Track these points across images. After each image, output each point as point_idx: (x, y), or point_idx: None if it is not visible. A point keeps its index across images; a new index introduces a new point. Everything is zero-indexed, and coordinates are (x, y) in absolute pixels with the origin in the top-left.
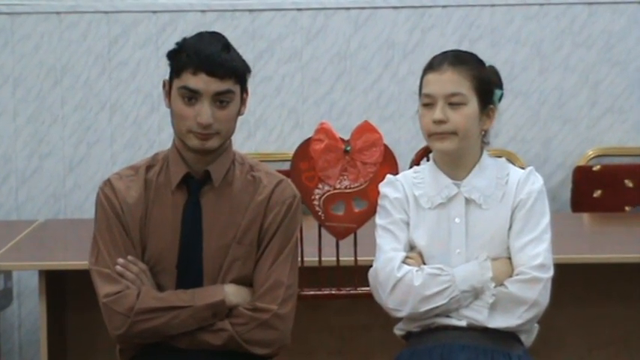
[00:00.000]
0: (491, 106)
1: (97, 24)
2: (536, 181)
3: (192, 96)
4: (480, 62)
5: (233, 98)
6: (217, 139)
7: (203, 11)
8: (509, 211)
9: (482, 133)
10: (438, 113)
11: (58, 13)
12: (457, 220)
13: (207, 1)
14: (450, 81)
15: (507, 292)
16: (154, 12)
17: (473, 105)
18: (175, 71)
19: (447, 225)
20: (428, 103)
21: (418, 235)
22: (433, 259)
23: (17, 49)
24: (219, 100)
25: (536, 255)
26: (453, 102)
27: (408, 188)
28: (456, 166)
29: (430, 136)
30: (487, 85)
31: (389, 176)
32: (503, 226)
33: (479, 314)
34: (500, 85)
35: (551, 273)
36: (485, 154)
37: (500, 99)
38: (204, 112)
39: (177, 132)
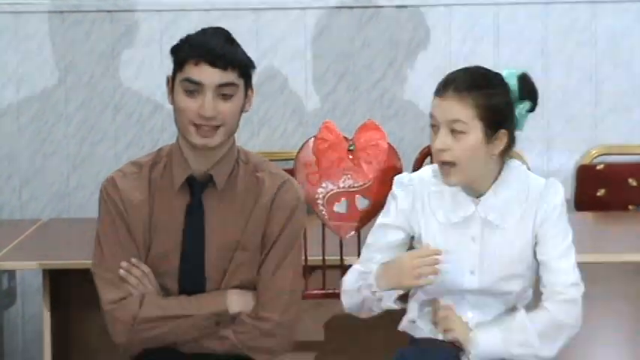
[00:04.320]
0: (503, 130)
1: (101, 23)
2: (558, 194)
3: (194, 88)
4: (491, 86)
5: (236, 92)
6: (220, 135)
7: (207, 10)
8: (530, 228)
9: (497, 154)
10: (437, 142)
11: (61, 12)
12: (473, 240)
13: (210, 0)
14: (450, 108)
15: (551, 317)
16: (158, 11)
17: (476, 134)
18: (178, 64)
19: (463, 243)
20: (433, 124)
21: (433, 245)
22: (446, 273)
23: (21, 47)
24: (223, 92)
25: (567, 272)
26: (455, 129)
27: (420, 194)
28: (472, 187)
29: (437, 162)
30: (495, 113)
31: (405, 176)
32: (525, 244)
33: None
34: (526, 97)
35: (583, 289)
36: (507, 169)
37: (529, 110)
38: (207, 103)
39: (179, 127)
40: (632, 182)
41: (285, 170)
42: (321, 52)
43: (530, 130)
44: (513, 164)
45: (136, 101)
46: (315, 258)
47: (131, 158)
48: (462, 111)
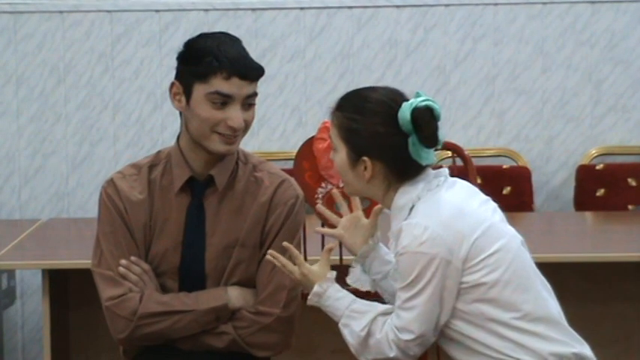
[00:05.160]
0: (365, 157)
1: (100, 23)
2: (401, 242)
3: (224, 101)
4: (356, 111)
5: (256, 100)
6: (240, 140)
7: (206, 10)
8: None
9: (367, 180)
10: (331, 154)
11: (60, 12)
12: None
13: (210, 0)
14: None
15: (380, 338)
16: (157, 11)
17: (341, 154)
18: (200, 76)
19: None
20: None
21: None
22: None
23: (20, 48)
24: (248, 102)
25: (396, 314)
26: (333, 147)
27: None
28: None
29: None
30: (354, 138)
31: None
32: None
33: None
34: (416, 131)
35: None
36: (400, 195)
37: (426, 145)
38: (237, 116)
39: (197, 135)
40: (632, 182)
41: (285, 170)
42: (321, 52)
43: (530, 129)
44: (409, 192)
45: (136, 101)
46: (314, 258)
47: (130, 158)
48: (331, 129)
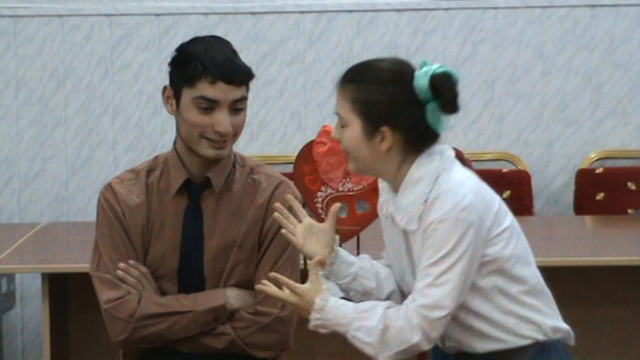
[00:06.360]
0: (385, 127)
1: (100, 27)
2: (441, 209)
3: (209, 105)
4: (369, 81)
5: (246, 104)
6: (230, 144)
7: (205, 14)
8: (422, 235)
9: (384, 151)
10: (333, 132)
11: (60, 16)
12: (399, 238)
13: (209, 4)
14: (336, 100)
15: (400, 325)
16: (157, 15)
17: (355, 127)
18: (187, 81)
19: (398, 240)
20: None
21: (386, 244)
22: (396, 273)
23: (20, 52)
24: (236, 107)
25: (419, 292)
26: (340, 121)
27: (382, 191)
28: (389, 183)
29: None
30: (370, 108)
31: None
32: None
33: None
34: (436, 98)
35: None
36: (416, 166)
37: (445, 112)
38: (224, 121)
39: (187, 139)
40: (631, 186)
41: (284, 174)
42: (320, 55)
43: (530, 133)
44: (426, 163)
45: (135, 105)
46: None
47: (130, 162)
48: (341, 103)
